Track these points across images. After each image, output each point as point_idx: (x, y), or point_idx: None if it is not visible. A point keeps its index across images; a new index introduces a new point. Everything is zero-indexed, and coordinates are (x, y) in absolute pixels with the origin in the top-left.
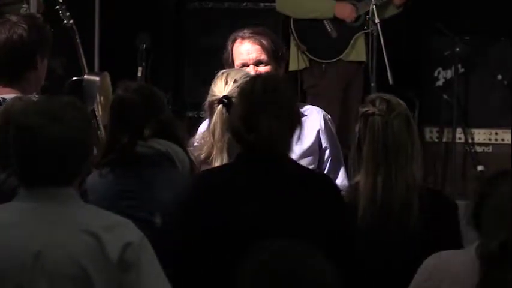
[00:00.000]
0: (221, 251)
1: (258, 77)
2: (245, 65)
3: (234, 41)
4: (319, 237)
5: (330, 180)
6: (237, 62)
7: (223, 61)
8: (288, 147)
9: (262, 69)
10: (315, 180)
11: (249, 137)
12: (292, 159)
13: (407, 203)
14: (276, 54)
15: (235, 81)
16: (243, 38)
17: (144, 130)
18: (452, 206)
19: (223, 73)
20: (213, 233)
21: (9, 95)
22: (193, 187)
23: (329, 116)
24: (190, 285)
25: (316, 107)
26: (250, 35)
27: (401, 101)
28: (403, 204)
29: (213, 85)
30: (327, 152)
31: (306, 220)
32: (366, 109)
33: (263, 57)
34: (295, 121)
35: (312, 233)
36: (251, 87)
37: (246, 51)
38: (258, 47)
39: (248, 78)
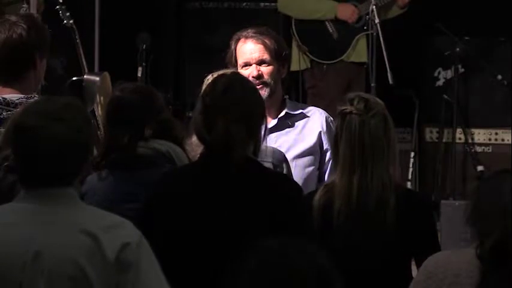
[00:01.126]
0: (171, 251)
1: (221, 77)
2: (248, 64)
3: (237, 40)
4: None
5: (288, 179)
6: (240, 61)
7: (226, 60)
8: (248, 147)
9: (265, 69)
10: (271, 180)
11: (207, 137)
12: (252, 159)
13: (382, 202)
14: (279, 55)
15: None
16: (246, 37)
17: (144, 131)
18: (428, 205)
19: (213, 75)
20: (166, 234)
21: (9, 94)
22: (155, 186)
23: (331, 118)
24: None
25: (318, 109)
26: (254, 35)
27: (379, 101)
28: (379, 203)
29: (204, 87)
30: (328, 154)
31: (255, 220)
32: (343, 108)
33: (266, 57)
34: (257, 122)
35: (262, 231)
36: (212, 87)
37: (249, 50)
38: (261, 46)
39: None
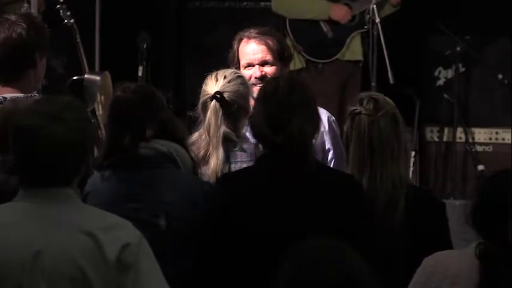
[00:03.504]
0: (248, 252)
1: (278, 78)
2: (250, 65)
3: (240, 40)
4: (343, 236)
5: (354, 178)
6: (243, 61)
7: (228, 60)
8: (312, 147)
9: (268, 69)
10: (340, 180)
11: (276, 138)
12: (316, 159)
13: (392, 202)
14: (281, 55)
15: (225, 78)
16: (249, 37)
17: (146, 131)
18: (439, 204)
19: (211, 74)
20: (241, 235)
21: (9, 94)
22: (220, 190)
23: (333, 118)
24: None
25: (321, 108)
26: (256, 35)
27: (389, 100)
28: (388, 203)
29: (204, 86)
30: (331, 153)
31: (334, 220)
32: (353, 108)
33: (268, 57)
34: (318, 121)
35: (337, 232)
36: (275, 88)
37: (252, 51)
38: (263, 47)
39: (270, 79)
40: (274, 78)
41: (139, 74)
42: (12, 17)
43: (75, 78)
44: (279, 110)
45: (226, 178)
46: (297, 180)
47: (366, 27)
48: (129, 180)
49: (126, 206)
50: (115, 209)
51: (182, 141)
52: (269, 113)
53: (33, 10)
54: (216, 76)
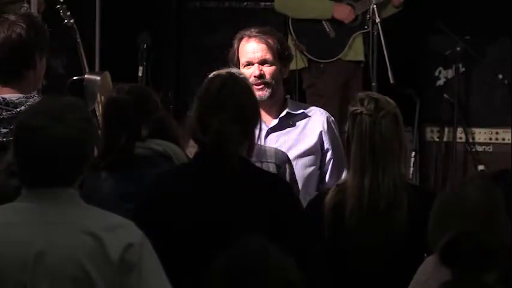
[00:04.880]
0: (170, 251)
1: (216, 77)
2: (250, 63)
3: (240, 39)
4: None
5: (280, 177)
6: (242, 60)
7: (228, 59)
8: (242, 148)
9: (267, 69)
10: (266, 180)
11: (203, 138)
12: (245, 159)
13: (394, 202)
14: (281, 55)
15: None
16: (249, 36)
17: (141, 131)
18: None
19: (213, 74)
20: (163, 233)
21: (8, 94)
22: (150, 187)
23: (333, 118)
24: None
25: (320, 109)
26: (257, 34)
27: (390, 100)
28: (390, 203)
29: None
30: (329, 154)
31: (255, 219)
32: (354, 108)
33: (268, 56)
34: (252, 122)
35: (262, 231)
36: (207, 87)
37: (252, 49)
38: (263, 46)
39: (209, 77)
40: (213, 75)
41: (140, 74)
42: (12, 17)
43: (75, 78)
44: (208, 108)
45: (160, 176)
46: (217, 181)
47: (366, 27)
48: (125, 180)
49: (124, 206)
50: (112, 209)
51: (177, 141)
52: (199, 111)
53: (33, 10)
54: None
